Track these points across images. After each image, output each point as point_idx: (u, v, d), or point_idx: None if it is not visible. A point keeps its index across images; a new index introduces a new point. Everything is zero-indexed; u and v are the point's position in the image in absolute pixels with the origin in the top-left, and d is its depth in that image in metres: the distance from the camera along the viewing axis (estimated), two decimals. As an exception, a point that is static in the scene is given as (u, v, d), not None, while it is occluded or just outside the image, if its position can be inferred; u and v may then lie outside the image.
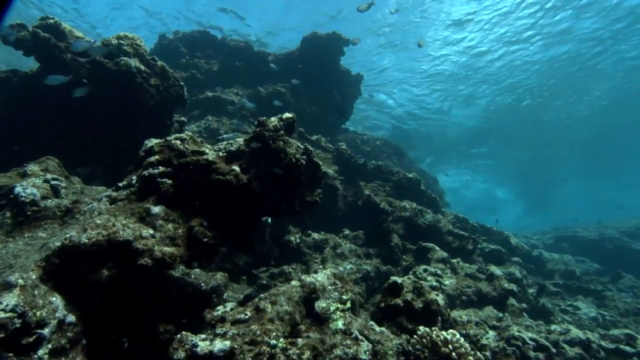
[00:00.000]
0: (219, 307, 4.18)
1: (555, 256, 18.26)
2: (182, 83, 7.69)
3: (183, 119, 9.16)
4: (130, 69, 6.35)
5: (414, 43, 21.02)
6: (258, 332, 3.63)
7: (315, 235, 9.54)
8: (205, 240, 4.31)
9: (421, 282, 5.05)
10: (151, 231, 3.95)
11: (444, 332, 3.77)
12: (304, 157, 5.02)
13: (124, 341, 3.75)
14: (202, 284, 6.11)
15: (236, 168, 4.57)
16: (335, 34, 15.72)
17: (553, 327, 6.72)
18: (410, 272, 7.37)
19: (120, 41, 6.55)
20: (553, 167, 45.03)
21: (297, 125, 5.74)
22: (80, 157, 6.79)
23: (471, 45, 22.34)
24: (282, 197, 5.04)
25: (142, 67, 6.59)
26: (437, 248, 8.66)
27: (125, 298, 3.83)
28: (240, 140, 4.94)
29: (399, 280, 5.06)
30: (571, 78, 24.74)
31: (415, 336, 3.89)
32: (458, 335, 3.77)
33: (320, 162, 5.33)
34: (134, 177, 4.35)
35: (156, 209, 4.15)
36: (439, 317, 5.04)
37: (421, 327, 3.92)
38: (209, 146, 4.99)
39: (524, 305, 7.91)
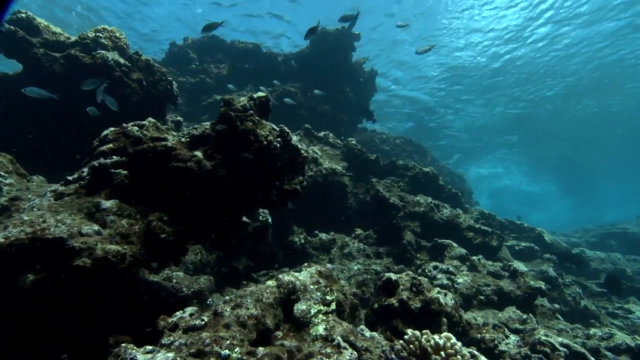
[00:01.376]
0: (177, 313, 3.61)
1: (600, 254, 16.59)
2: (169, 78, 7.34)
3: (179, 119, 8.83)
4: (107, 61, 6.02)
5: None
6: (207, 341, 3.02)
7: (323, 236, 8.91)
8: (163, 236, 3.80)
9: (420, 278, 4.31)
10: (96, 227, 3.47)
11: (435, 337, 3.04)
12: (279, 139, 4.43)
13: (63, 358, 3.26)
14: (184, 288, 5.63)
15: (198, 154, 4.05)
16: (344, 30, 15.15)
17: (593, 331, 5.72)
18: (419, 270, 6.57)
19: (98, 34, 6.27)
20: (600, 160, 41.66)
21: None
22: (65, 161, 6.51)
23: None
24: (256, 186, 4.46)
25: (122, 61, 6.27)
26: (455, 245, 7.78)
27: (68, 305, 3.35)
28: (207, 123, 4.42)
29: (394, 277, 4.34)
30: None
31: (401, 341, 3.17)
32: (453, 340, 3.03)
33: (300, 146, 4.72)
34: (85, 170, 3.91)
35: (107, 204, 3.68)
36: (444, 319, 4.26)
37: (409, 331, 3.20)
38: (174, 133, 4.51)
39: (557, 306, 6.89)
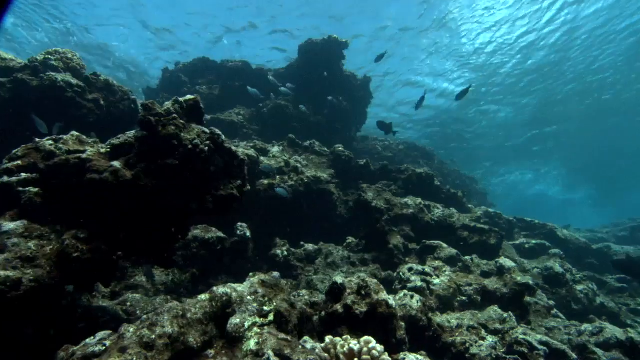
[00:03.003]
0: (86, 340, 3.29)
1: (629, 249, 15.39)
2: (133, 97, 7.25)
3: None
4: (57, 83, 5.97)
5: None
6: (94, 369, 2.70)
7: (309, 246, 8.53)
8: (76, 255, 3.53)
9: (367, 280, 3.88)
10: (-8, 252, 3.23)
11: (352, 342, 2.62)
12: (208, 143, 4.15)
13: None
14: (137, 311, 5.32)
15: (116, 164, 3.81)
16: (331, 38, 15.01)
17: (584, 326, 5.06)
18: (395, 274, 6.07)
19: (48, 56, 6.25)
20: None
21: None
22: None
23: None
24: (189, 193, 4.18)
25: (74, 81, 6.21)
26: (445, 245, 7.23)
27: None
28: (131, 132, 4.19)
29: (340, 280, 3.94)
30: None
31: (317, 349, 2.76)
32: (373, 344, 2.63)
33: (235, 149, 4.42)
34: (-9, 189, 3.72)
35: (11, 225, 3.47)
36: (400, 324, 3.79)
37: (328, 337, 2.79)
38: (102, 145, 4.30)
39: (551, 302, 6.20)
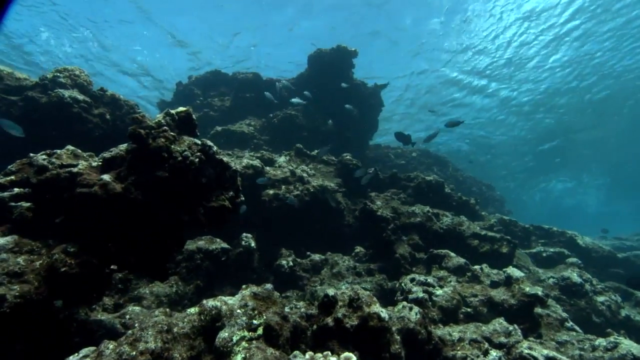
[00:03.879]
0: (70, 357, 3.27)
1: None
2: (139, 110, 7.38)
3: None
4: (63, 99, 6.13)
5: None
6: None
7: (316, 257, 8.42)
8: (63, 269, 3.55)
9: (360, 292, 3.75)
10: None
11: (333, 358, 2.50)
12: (200, 154, 4.14)
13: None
14: (136, 325, 5.32)
15: (106, 177, 3.83)
16: (340, 47, 15.04)
17: (598, 341, 4.74)
18: (397, 285, 5.88)
19: (57, 74, 6.44)
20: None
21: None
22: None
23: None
24: (179, 205, 4.16)
25: (80, 97, 6.37)
26: (452, 254, 7.00)
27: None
28: (124, 145, 4.23)
29: (332, 292, 3.82)
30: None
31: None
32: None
33: (227, 160, 4.39)
34: (-15, 204, 3.80)
35: (1, 241, 3.51)
36: (395, 337, 3.63)
37: (308, 353, 2.67)
38: (95, 159, 4.35)
39: (564, 315, 5.86)
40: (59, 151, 4.10)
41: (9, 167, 3.92)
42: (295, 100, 12.70)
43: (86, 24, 18.58)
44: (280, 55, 21.57)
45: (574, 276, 7.88)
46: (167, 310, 5.95)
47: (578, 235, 12.00)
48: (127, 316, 5.35)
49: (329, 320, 3.67)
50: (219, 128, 14.09)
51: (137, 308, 5.58)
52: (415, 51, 20.72)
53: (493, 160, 34.38)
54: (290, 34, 20.29)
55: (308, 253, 8.58)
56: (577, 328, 5.72)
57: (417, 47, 20.53)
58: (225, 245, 7.64)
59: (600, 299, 7.79)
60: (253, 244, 7.93)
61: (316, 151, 10.90)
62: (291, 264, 8.08)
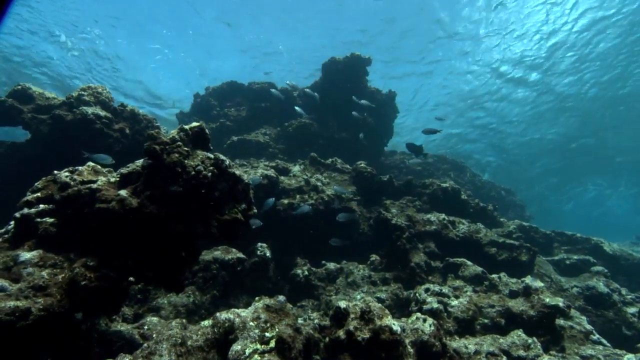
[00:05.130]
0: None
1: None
2: (157, 124, 7.61)
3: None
4: (87, 116, 6.38)
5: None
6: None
7: (331, 265, 8.44)
8: (83, 283, 3.68)
9: (372, 304, 3.75)
10: (4, 283, 3.43)
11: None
12: (212, 168, 4.25)
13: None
14: (154, 335, 5.44)
15: (123, 192, 3.97)
16: (354, 56, 15.13)
17: (628, 356, 4.57)
18: (411, 295, 5.83)
19: (82, 92, 6.72)
20: None
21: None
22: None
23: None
24: (194, 219, 4.27)
25: (102, 113, 6.62)
26: (469, 263, 6.90)
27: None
28: (140, 161, 4.37)
29: (344, 304, 3.83)
30: None
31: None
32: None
33: (240, 173, 4.48)
34: (12, 222, 3.99)
35: (27, 255, 3.68)
36: (409, 350, 3.61)
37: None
38: (114, 175, 4.51)
39: (589, 327, 5.67)
40: (80, 168, 4.28)
41: (36, 184, 4.11)
42: (298, 109, 12.82)
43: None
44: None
45: (600, 285, 7.64)
46: (183, 321, 6.06)
47: (604, 242, 11.60)
48: (146, 327, 5.48)
49: (341, 333, 3.68)
50: (235, 138, 14.31)
51: (155, 319, 5.71)
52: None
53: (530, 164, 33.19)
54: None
55: (323, 262, 8.59)
56: (605, 341, 5.53)
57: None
58: (240, 255, 7.74)
59: (631, 310, 7.50)
60: (268, 254, 8.01)
61: (330, 160, 10.95)
62: (306, 273, 8.11)
